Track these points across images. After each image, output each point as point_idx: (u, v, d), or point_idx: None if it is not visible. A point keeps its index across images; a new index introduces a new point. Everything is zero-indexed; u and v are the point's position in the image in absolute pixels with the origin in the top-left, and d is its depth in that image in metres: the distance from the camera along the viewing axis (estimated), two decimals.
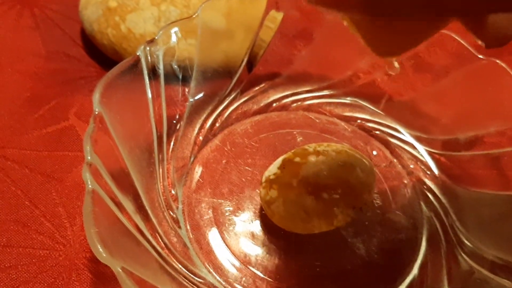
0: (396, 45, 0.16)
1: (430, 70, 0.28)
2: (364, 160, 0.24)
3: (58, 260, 0.22)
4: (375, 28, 0.15)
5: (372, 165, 0.24)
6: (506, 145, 0.25)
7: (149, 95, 0.25)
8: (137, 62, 0.24)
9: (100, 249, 0.17)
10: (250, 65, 0.29)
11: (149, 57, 0.25)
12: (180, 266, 0.22)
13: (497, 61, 0.26)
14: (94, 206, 0.18)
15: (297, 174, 0.23)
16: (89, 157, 0.20)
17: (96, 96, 0.22)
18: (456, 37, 0.27)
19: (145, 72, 0.24)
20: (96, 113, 0.21)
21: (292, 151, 0.25)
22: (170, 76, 0.27)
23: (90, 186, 0.19)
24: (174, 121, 0.27)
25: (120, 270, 0.17)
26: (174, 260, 0.23)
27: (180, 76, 0.27)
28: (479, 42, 0.14)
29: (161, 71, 0.25)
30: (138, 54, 0.24)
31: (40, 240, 0.23)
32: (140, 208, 0.23)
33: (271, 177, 0.24)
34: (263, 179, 0.24)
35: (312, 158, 0.24)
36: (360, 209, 0.23)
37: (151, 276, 0.20)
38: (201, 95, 0.28)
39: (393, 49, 0.16)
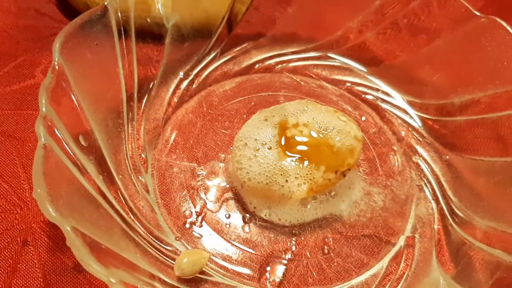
0: None
1: (425, 30, 0.26)
2: (350, 122, 0.22)
3: (13, 223, 0.21)
4: None
5: (358, 127, 0.23)
6: (503, 108, 0.23)
7: (118, 50, 0.23)
8: (105, 13, 0.22)
9: (48, 206, 0.16)
10: (230, 24, 0.27)
11: (119, 11, 0.23)
12: (145, 232, 0.21)
13: (497, 19, 0.24)
14: (46, 162, 0.17)
15: (275, 134, 0.22)
16: (44, 109, 0.18)
17: (56, 46, 0.20)
18: None
19: (114, 24, 0.22)
20: (56, 63, 0.19)
21: (271, 108, 0.23)
22: (145, 33, 0.25)
23: (43, 140, 0.17)
24: (147, 81, 0.25)
25: (69, 229, 0.16)
26: (140, 226, 0.21)
27: (156, 33, 0.25)
28: None
29: (131, 25, 0.24)
30: (105, 4, 0.22)
31: None
32: (104, 170, 0.21)
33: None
34: (236, 139, 0.22)
35: (293, 118, 0.22)
36: (343, 174, 0.22)
37: (111, 240, 0.18)
38: (177, 54, 0.26)
39: None
